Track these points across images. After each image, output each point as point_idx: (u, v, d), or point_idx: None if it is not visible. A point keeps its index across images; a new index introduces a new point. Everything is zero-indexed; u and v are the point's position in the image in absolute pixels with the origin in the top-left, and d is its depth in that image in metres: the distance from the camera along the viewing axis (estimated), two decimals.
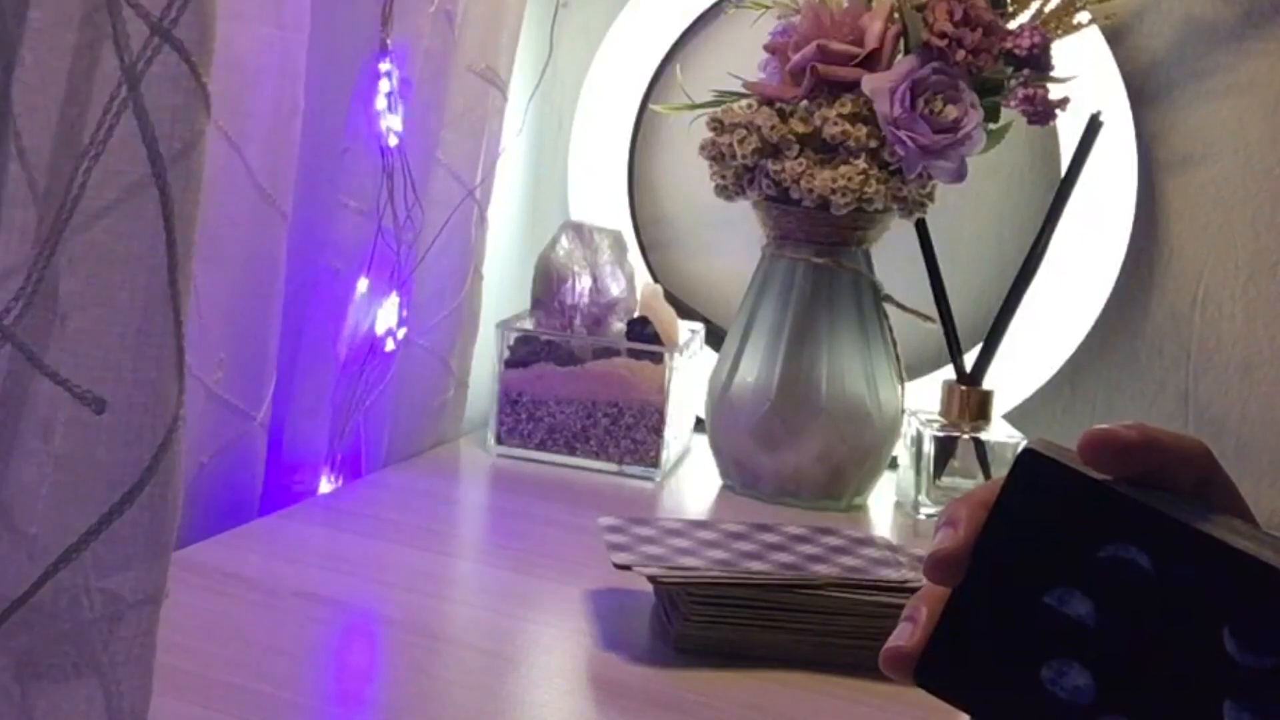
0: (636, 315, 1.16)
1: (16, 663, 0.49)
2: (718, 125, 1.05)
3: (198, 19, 0.46)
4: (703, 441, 1.15)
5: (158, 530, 0.49)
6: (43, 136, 0.47)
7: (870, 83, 0.99)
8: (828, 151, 1.02)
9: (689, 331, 1.20)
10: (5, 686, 0.49)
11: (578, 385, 1.12)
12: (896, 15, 1.01)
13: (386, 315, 1.03)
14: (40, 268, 0.46)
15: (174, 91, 0.46)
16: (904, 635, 0.35)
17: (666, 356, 1.11)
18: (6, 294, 0.47)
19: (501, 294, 1.24)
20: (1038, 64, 1.02)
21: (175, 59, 0.46)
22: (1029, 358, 1.14)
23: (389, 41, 0.97)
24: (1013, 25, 1.03)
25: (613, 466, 1.12)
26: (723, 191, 1.07)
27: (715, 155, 1.05)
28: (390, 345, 1.04)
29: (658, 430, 1.11)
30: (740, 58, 1.10)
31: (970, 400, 1.06)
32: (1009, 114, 1.04)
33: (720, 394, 1.09)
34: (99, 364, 0.47)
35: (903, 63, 1.00)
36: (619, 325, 1.16)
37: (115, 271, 0.47)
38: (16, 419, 0.48)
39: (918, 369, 1.18)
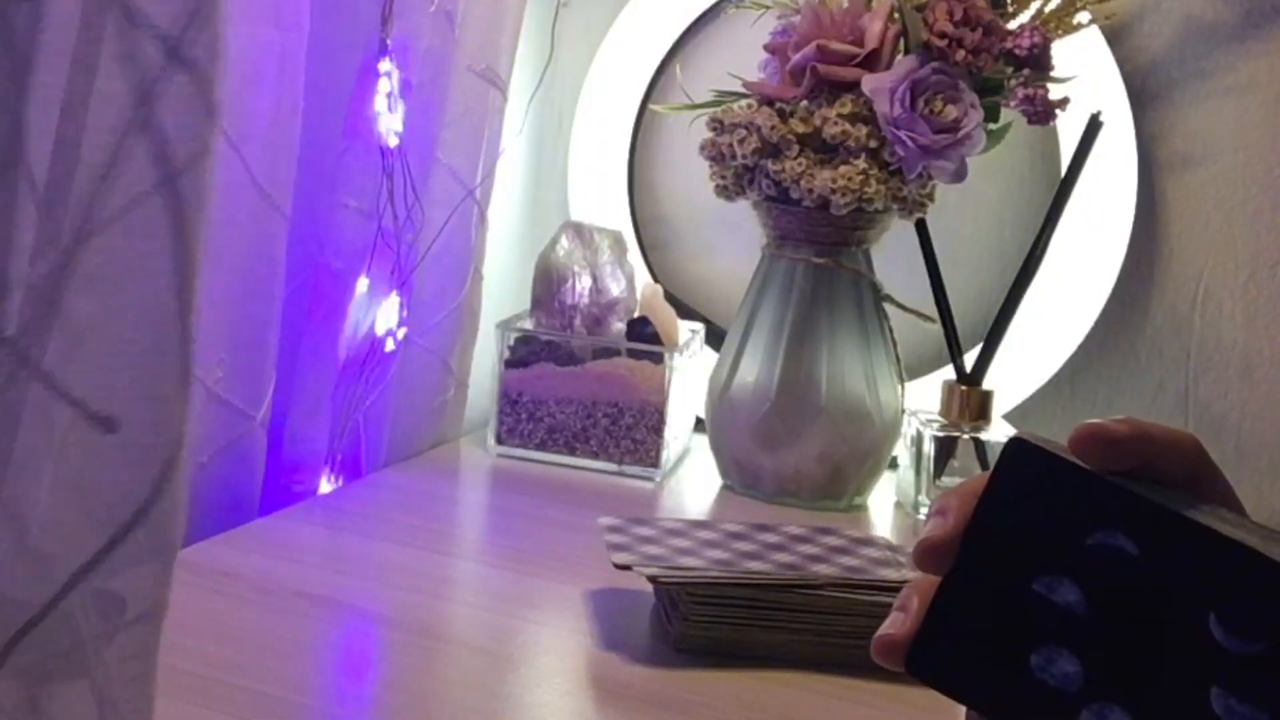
0: (636, 315, 1.16)
1: (27, 679, 0.49)
2: (718, 125, 1.05)
3: (208, 36, 0.46)
4: (703, 441, 1.15)
5: (164, 546, 0.49)
6: (52, 155, 0.46)
7: (870, 83, 0.99)
8: (828, 151, 1.02)
9: (689, 331, 1.20)
10: (16, 704, 0.49)
11: (578, 385, 1.12)
12: (896, 15, 1.01)
13: (386, 315, 1.03)
14: (51, 287, 0.46)
15: (186, 110, 0.46)
16: (895, 623, 0.35)
17: (666, 356, 1.11)
18: (16, 314, 0.47)
19: (501, 294, 1.24)
20: (1038, 64, 1.01)
21: (187, 78, 0.46)
22: (1029, 358, 1.14)
23: (389, 41, 0.97)
24: (1013, 25, 1.03)
25: (613, 466, 1.12)
26: (723, 191, 1.07)
27: (715, 155, 1.05)
28: (390, 345, 1.04)
29: (658, 430, 1.11)
30: (740, 58, 1.10)
31: (970, 400, 1.06)
32: (1009, 114, 1.04)
33: (720, 394, 1.09)
34: (111, 383, 0.47)
35: (903, 63, 1.00)
36: (619, 325, 1.16)
37: (128, 290, 0.47)
38: (33, 439, 0.47)
39: (918, 369, 1.18)
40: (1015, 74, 1.02)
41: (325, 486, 1.03)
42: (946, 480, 1.06)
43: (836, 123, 1.00)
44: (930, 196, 1.05)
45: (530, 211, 1.33)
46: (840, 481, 1.07)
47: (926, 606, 0.35)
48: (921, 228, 1.06)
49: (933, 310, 1.07)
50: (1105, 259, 1.14)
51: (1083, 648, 0.33)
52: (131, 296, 0.47)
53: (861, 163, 1.00)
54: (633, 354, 1.12)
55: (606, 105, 1.29)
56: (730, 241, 1.26)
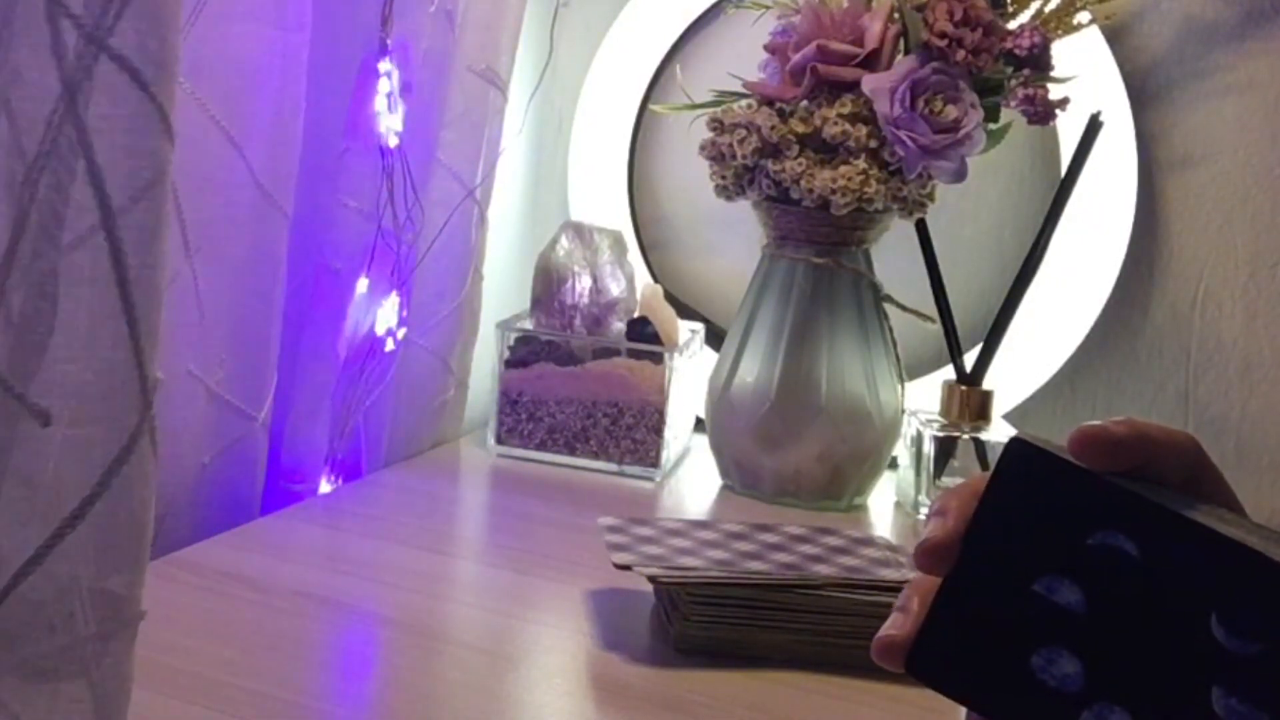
0: (636, 315, 1.16)
1: (25, 677, 0.48)
2: (718, 125, 1.05)
3: (149, 34, 0.45)
4: (703, 441, 1.15)
5: (118, 546, 0.48)
6: None
7: (870, 83, 0.99)
8: (828, 151, 1.02)
9: (689, 331, 1.20)
10: (14, 701, 0.48)
11: (578, 385, 1.12)
12: (896, 15, 1.01)
13: (386, 315, 1.03)
14: None
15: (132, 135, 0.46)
16: (896, 624, 0.35)
17: (666, 356, 1.11)
18: None
19: (501, 294, 1.24)
20: (1038, 64, 1.02)
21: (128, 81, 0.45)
22: (1029, 358, 1.14)
23: (389, 41, 0.97)
24: (1013, 25, 1.03)
25: (613, 466, 1.12)
26: (723, 191, 1.07)
27: (715, 155, 1.05)
28: (390, 345, 1.04)
29: (658, 430, 1.11)
30: (740, 58, 1.10)
31: (970, 400, 1.06)
32: (1009, 114, 1.04)
33: (720, 394, 1.09)
34: (47, 378, 0.47)
35: (903, 63, 1.00)
36: (619, 325, 1.16)
37: (70, 291, 0.47)
38: None
39: (918, 369, 1.18)
40: (1015, 74, 1.02)
41: (325, 486, 1.03)
42: (946, 480, 1.06)
43: (836, 123, 1.00)
44: (930, 196, 1.05)
45: (530, 211, 1.33)
46: (840, 481, 1.07)
47: (927, 607, 0.35)
48: (921, 228, 1.06)
49: (933, 310, 1.07)
50: (1105, 259, 1.14)
51: (1083, 648, 0.33)
52: (70, 298, 0.47)
53: (861, 163, 1.00)
54: (633, 354, 1.12)
55: (606, 105, 1.29)
56: (730, 241, 1.26)
